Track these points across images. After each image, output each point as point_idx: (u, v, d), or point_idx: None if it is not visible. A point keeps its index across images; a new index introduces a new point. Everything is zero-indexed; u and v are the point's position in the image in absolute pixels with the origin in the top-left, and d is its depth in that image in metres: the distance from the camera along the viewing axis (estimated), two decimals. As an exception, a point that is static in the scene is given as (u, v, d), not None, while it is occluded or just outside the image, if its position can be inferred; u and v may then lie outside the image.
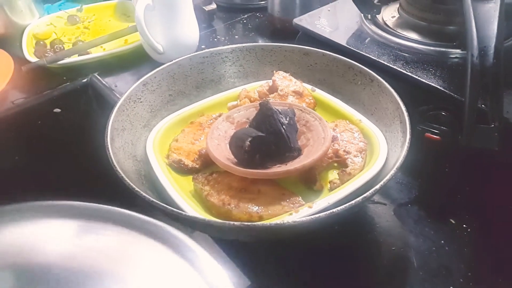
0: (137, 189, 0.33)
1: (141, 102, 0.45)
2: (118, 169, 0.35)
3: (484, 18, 0.35)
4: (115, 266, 0.25)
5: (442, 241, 0.38)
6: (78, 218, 0.28)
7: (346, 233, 0.38)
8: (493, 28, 0.35)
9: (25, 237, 0.27)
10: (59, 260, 0.25)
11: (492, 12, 0.35)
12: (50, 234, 0.27)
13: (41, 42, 0.68)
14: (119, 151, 0.39)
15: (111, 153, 0.37)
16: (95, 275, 0.25)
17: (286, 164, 0.37)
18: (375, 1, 0.56)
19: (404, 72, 0.44)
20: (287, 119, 0.38)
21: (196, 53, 0.50)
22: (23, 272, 0.25)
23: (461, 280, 0.35)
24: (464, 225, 0.39)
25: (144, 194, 0.33)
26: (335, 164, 0.40)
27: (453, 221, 0.39)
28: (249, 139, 0.36)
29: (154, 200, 0.33)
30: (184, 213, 0.33)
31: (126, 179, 0.34)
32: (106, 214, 0.28)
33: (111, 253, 0.26)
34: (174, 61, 0.48)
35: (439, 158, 0.43)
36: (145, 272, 0.25)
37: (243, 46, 0.50)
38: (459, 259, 0.36)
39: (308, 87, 0.48)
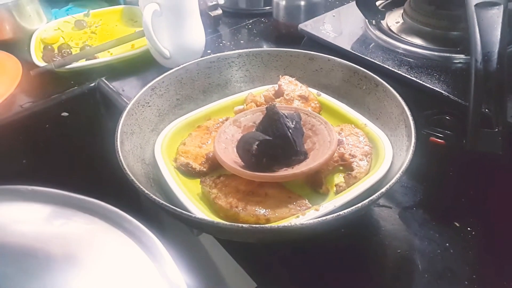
0: (146, 191, 0.34)
1: (149, 106, 0.46)
2: (128, 172, 0.36)
3: (488, 24, 0.36)
4: (80, 251, 0.26)
5: (447, 244, 0.38)
6: (51, 203, 0.28)
7: (351, 235, 0.39)
8: (496, 33, 0.35)
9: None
10: (26, 241, 0.26)
11: (495, 18, 0.36)
12: (21, 216, 0.28)
13: (49, 47, 0.69)
14: (128, 155, 0.40)
15: (121, 157, 0.38)
16: (58, 258, 0.25)
17: (293, 168, 0.37)
18: (380, 7, 0.56)
19: (409, 77, 0.45)
20: (293, 123, 0.39)
21: (203, 58, 0.50)
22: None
23: (466, 282, 0.35)
24: (469, 228, 0.39)
25: (153, 196, 0.34)
26: (341, 168, 0.41)
27: (457, 224, 0.39)
28: (257, 142, 0.37)
29: (163, 202, 0.33)
30: (192, 215, 0.34)
31: (136, 181, 0.35)
32: (78, 202, 0.29)
33: (78, 239, 0.27)
34: (181, 66, 0.49)
35: (443, 161, 0.43)
36: (107, 261, 0.26)
37: (249, 51, 0.51)
38: (463, 261, 0.36)
39: (314, 91, 0.48)
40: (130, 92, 0.59)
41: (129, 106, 0.43)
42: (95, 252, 0.26)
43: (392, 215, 0.41)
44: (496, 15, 0.36)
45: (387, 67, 0.47)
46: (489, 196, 0.42)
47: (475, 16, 0.37)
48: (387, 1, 0.59)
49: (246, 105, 0.48)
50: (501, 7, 0.37)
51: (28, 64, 0.63)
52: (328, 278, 0.36)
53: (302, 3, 0.63)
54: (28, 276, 0.24)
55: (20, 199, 0.29)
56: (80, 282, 0.24)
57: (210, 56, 0.51)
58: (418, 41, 0.50)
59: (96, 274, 0.25)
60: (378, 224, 0.41)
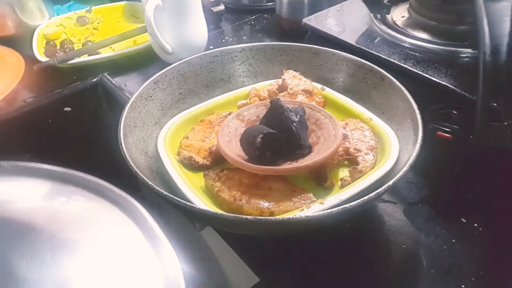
0: (150, 183, 0.34)
1: (152, 100, 0.46)
2: (132, 164, 0.36)
3: (497, 17, 0.35)
4: (78, 231, 0.26)
5: (453, 240, 0.37)
6: (52, 180, 0.28)
7: (356, 230, 0.38)
8: (505, 26, 0.35)
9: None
10: (24, 219, 0.26)
11: (504, 10, 0.35)
12: (20, 193, 0.28)
13: (51, 42, 0.69)
14: (131, 147, 0.40)
15: (124, 149, 0.37)
16: (56, 234, 0.25)
17: (297, 161, 0.37)
18: (385, 1, 0.56)
19: (415, 71, 0.44)
20: (298, 116, 0.38)
21: (206, 52, 0.50)
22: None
23: (472, 278, 0.34)
24: (475, 224, 0.38)
25: (157, 188, 0.33)
26: (346, 162, 0.40)
27: (464, 220, 0.39)
28: (261, 135, 0.36)
29: (167, 194, 0.33)
30: (198, 207, 0.33)
31: (140, 173, 0.35)
32: (79, 180, 0.28)
33: (77, 218, 0.26)
34: (184, 59, 0.49)
35: (450, 156, 0.42)
36: (104, 240, 0.25)
37: (253, 46, 0.50)
38: (470, 258, 0.36)
39: (318, 86, 0.48)
40: (132, 87, 0.59)
41: (132, 99, 0.43)
42: (94, 232, 0.26)
43: (397, 210, 0.41)
44: (505, 7, 0.36)
45: (393, 61, 0.46)
46: (496, 192, 0.41)
47: (483, 9, 0.36)
48: (392, -5, 0.59)
49: (250, 99, 0.47)
50: (510, 0, 0.36)
51: (30, 59, 0.63)
52: (332, 273, 0.36)
53: (306, -2, 0.63)
54: (24, 255, 0.24)
55: (20, 175, 0.28)
56: (77, 262, 0.24)
57: (213, 50, 0.50)
58: (424, 35, 0.50)
59: (93, 253, 0.24)
60: (382, 219, 0.40)
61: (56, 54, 0.64)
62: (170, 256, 0.24)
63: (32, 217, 0.26)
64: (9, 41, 0.68)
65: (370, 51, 0.48)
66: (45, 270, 0.23)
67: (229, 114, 0.45)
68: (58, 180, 0.29)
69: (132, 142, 0.40)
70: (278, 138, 0.37)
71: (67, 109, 0.62)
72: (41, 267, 0.23)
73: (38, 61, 0.62)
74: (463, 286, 0.34)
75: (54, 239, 0.25)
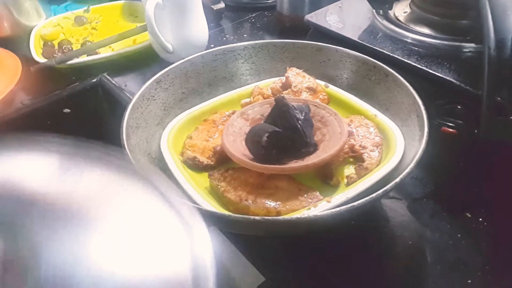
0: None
1: (154, 100, 0.45)
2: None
3: (501, 10, 0.35)
4: (97, 205, 0.24)
5: (459, 235, 0.37)
6: (61, 154, 0.27)
7: (361, 227, 0.38)
8: (510, 20, 0.35)
9: (4, 169, 0.26)
10: (39, 195, 0.25)
11: (509, 4, 0.35)
12: (32, 167, 0.26)
13: (49, 43, 0.68)
14: (134, 149, 0.39)
15: (127, 150, 0.37)
16: (73, 212, 0.24)
17: (303, 160, 0.37)
18: (387, -3, 0.56)
19: (419, 66, 0.44)
20: (303, 114, 0.38)
21: (208, 50, 0.49)
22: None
23: (479, 273, 0.35)
24: (480, 219, 0.39)
25: (163, 190, 0.33)
26: (351, 159, 0.40)
27: (469, 215, 0.39)
28: (266, 134, 0.36)
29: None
30: (204, 208, 0.33)
31: (144, 175, 0.34)
32: (93, 152, 0.27)
33: (93, 192, 0.25)
34: (186, 58, 0.48)
35: (454, 152, 0.42)
36: (127, 214, 0.24)
37: (256, 43, 0.50)
38: (476, 252, 0.36)
39: (321, 83, 0.48)
40: (133, 87, 0.59)
41: (134, 100, 0.43)
42: (115, 207, 0.24)
43: (402, 206, 0.41)
44: (509, 1, 0.35)
45: (397, 56, 0.46)
46: (500, 186, 0.41)
47: (487, 2, 0.36)
48: (394, -9, 0.59)
49: (253, 98, 0.47)
50: (514, -6, 0.36)
51: (28, 60, 0.62)
52: (338, 271, 0.36)
53: (307, -6, 0.63)
54: (42, 235, 0.23)
55: (27, 149, 0.27)
56: (100, 239, 0.22)
57: (216, 48, 0.50)
58: (426, 30, 0.50)
59: (117, 228, 0.22)
60: (387, 215, 0.40)
61: (54, 55, 0.64)
62: (199, 228, 0.22)
63: (46, 195, 0.25)
64: (5, 42, 0.67)
65: (373, 47, 0.48)
66: (67, 249, 0.22)
67: (233, 113, 0.45)
68: (68, 154, 0.27)
69: (135, 144, 0.40)
70: (284, 136, 0.37)
71: (67, 110, 0.62)
72: (62, 246, 0.22)
73: (36, 62, 0.62)
74: (469, 281, 0.34)
75: (74, 217, 0.23)
